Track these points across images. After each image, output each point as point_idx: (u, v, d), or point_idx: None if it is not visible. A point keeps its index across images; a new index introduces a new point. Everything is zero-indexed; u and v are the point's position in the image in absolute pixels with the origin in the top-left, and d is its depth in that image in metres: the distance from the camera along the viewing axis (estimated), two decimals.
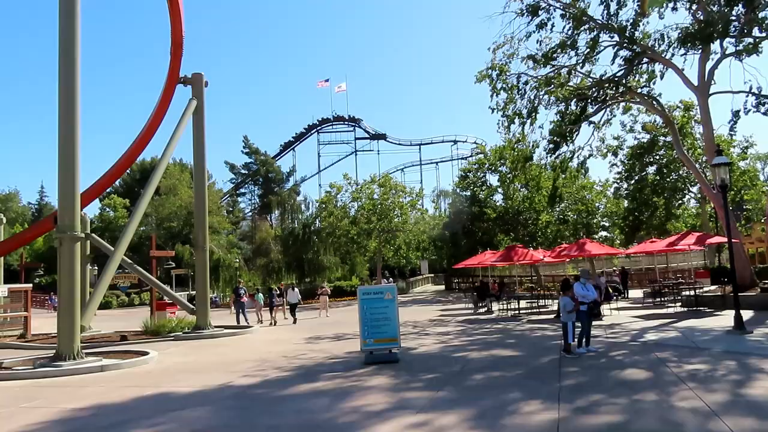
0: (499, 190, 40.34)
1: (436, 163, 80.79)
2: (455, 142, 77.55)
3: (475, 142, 74.26)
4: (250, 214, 78.66)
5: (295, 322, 23.15)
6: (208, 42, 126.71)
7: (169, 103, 21.01)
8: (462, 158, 76.63)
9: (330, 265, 41.44)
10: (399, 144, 79.06)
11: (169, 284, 35.91)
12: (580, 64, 17.52)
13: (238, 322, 22.39)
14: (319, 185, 76.59)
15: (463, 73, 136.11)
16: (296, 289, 24.75)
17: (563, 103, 18.60)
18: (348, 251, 45.07)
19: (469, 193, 41.55)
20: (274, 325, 22.61)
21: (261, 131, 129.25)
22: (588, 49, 16.74)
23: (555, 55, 16.94)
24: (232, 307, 25.02)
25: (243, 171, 79.23)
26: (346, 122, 78.40)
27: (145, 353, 13.66)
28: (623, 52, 16.70)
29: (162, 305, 22.49)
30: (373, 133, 77.90)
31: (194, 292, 22.19)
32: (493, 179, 40.97)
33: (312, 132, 78.81)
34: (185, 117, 19.88)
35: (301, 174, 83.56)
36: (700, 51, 15.80)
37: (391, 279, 48.94)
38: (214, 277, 36.41)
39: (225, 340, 17.64)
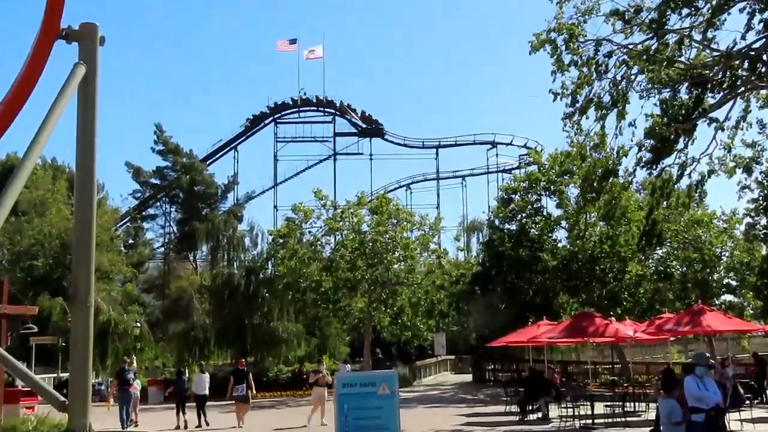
0: (563, 222, 40.45)
1: (463, 176, 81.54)
2: (494, 144, 78.46)
3: (525, 146, 74.92)
4: (163, 249, 78.47)
5: (200, 425, 23.34)
6: None
7: (41, 69, 21.02)
8: (504, 170, 77.40)
9: (288, 337, 41.22)
10: (404, 145, 79.94)
11: (26, 360, 35.33)
12: (697, 30, 17.77)
13: (122, 425, 22.16)
14: (275, 207, 77.07)
15: (509, 39, 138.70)
16: (206, 374, 25.10)
17: (668, 89, 18.81)
18: (318, 315, 44.73)
19: (514, 227, 41.66)
20: (185, 428, 22.89)
21: (185, 119, 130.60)
22: (712, 10, 16.85)
23: (666, 14, 17.11)
24: (112, 400, 25.01)
25: (154, 180, 79.42)
26: (322, 108, 79.29)
27: None
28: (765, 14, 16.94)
29: (13, 394, 22.14)
30: (365, 126, 78.68)
31: (67, 375, 21.90)
32: (552, 205, 41.20)
33: (266, 122, 79.52)
34: (66, 91, 19.77)
35: (247, 188, 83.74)
36: None
37: (359, 361, 48.51)
38: (101, 350, 35.96)
39: None
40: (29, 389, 22.22)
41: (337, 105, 78.70)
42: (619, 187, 21.42)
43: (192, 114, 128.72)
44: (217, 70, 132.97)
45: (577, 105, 19.10)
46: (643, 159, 19.78)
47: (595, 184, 21.91)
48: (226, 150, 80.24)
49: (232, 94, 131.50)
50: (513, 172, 67.44)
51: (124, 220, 73.70)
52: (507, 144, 78.18)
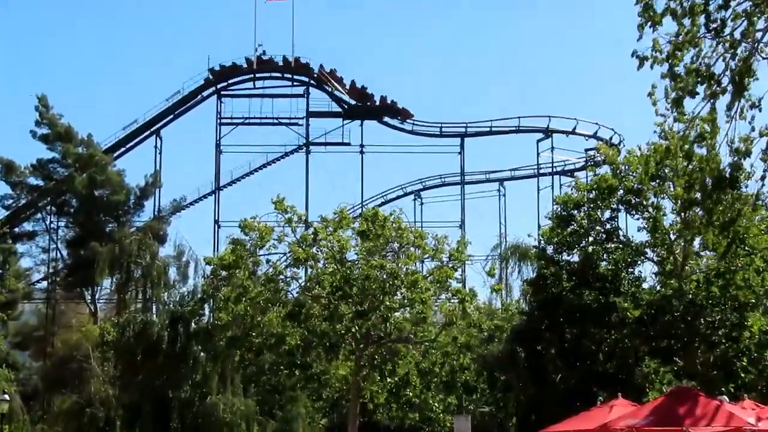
0: (649, 252, 40.31)
1: (500, 181, 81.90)
2: (547, 132, 78.61)
3: (594, 136, 74.90)
4: (46, 284, 78.05)
5: None
6: None
7: None
8: (562, 172, 77.28)
9: (233, 418, 41.04)
10: (412, 132, 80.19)
11: None
12: None
13: None
14: (217, 222, 76.95)
15: None
16: None
17: None
18: (279, 386, 44.50)
19: (576, 258, 41.54)
20: None
21: (83, 91, 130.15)
22: None
23: None
24: None
25: (33, 180, 79.16)
26: (289, 74, 79.64)
27: None
28: None
29: None
30: (353, 103, 78.54)
31: None
32: (634, 226, 41.10)
33: (205, 95, 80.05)
34: None
35: (174, 193, 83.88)
36: None
37: None
38: None
39: None
40: None
41: (313, 70, 78.57)
42: (740, 203, 21.23)
43: (94, 83, 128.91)
44: (132, 19, 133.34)
45: (677, 75, 18.98)
46: None
47: (699, 193, 21.76)
48: (143, 136, 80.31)
49: (154, 54, 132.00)
50: (576, 175, 67.49)
51: None
52: (567, 133, 78.28)
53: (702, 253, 39.24)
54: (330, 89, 78.74)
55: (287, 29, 77.14)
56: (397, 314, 42.57)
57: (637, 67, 19.70)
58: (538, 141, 78.97)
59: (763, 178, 20.78)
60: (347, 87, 78.97)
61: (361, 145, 78.35)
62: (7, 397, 42.20)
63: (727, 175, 19.92)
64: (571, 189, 45.63)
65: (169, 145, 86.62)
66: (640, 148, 39.32)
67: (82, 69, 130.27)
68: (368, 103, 78.25)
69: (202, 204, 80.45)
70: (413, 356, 45.11)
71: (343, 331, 41.28)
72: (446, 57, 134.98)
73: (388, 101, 78.34)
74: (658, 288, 39.58)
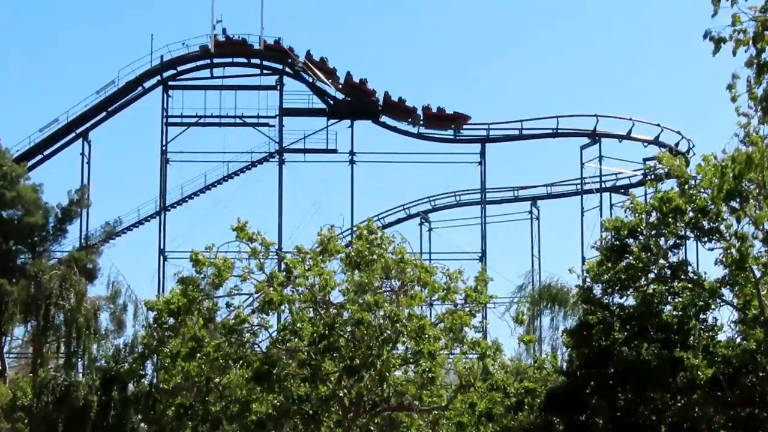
0: (727, 294, 40.19)
1: (532, 199, 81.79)
2: (594, 137, 78.63)
3: (655, 141, 74.85)
4: None
5: None
6: None
7: None
8: (613, 188, 77.28)
9: None
10: (418, 136, 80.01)
11: None
12: None
13: None
14: (162, 253, 76.82)
15: None
16: None
17: None
18: None
19: (630, 301, 41.45)
20: None
21: None
22: None
23: None
24: None
25: None
26: (258, 59, 79.69)
27: None
28: None
29: None
30: (341, 98, 78.49)
31: None
32: (709, 260, 41.02)
33: (147, 86, 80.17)
34: None
35: (107, 214, 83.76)
36: None
37: None
38: None
39: None
40: None
41: (289, 54, 78.44)
42: None
43: (2, 72, 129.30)
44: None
45: (765, 63, 18.88)
46: None
47: None
48: (66, 140, 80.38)
49: (81, 33, 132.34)
50: (631, 192, 67.36)
51: None
52: (620, 138, 78.53)
53: None
54: (311, 79, 78.20)
55: (255, 5, 76.75)
56: (397, 373, 42.53)
57: (712, 51, 19.58)
58: (582, 148, 78.97)
59: None
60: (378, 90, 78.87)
61: (351, 153, 78.25)
62: None
63: None
64: (625, 210, 45.46)
65: (100, 152, 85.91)
66: (715, 157, 39.08)
67: None
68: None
69: (143, 229, 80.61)
70: (419, 428, 44.91)
71: (327, 395, 41.18)
72: (462, 42, 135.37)
73: (434, 108, 78.14)
74: (738, 340, 39.40)
